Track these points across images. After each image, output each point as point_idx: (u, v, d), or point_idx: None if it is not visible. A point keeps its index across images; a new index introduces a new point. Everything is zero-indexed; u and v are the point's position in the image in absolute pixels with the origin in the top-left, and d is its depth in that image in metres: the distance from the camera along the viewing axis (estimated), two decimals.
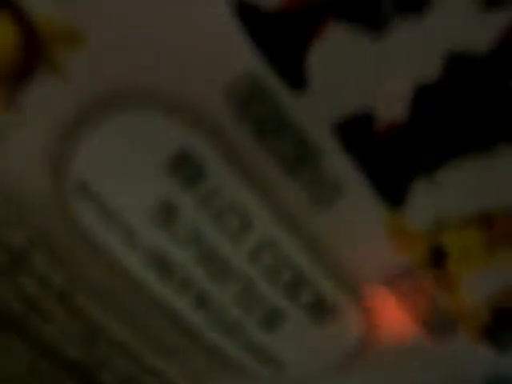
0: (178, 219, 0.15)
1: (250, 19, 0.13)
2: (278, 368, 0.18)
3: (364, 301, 0.17)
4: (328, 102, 0.14)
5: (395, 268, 0.16)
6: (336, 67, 0.13)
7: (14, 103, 0.14)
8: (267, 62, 0.14)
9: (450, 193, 0.15)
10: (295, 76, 0.14)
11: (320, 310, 0.17)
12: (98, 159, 0.15)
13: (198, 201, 0.15)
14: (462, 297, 0.16)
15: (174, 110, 0.14)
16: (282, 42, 0.13)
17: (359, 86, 0.14)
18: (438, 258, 0.16)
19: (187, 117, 0.14)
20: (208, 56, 0.14)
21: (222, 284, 0.16)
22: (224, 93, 0.14)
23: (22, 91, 0.14)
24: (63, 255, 0.16)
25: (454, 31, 0.13)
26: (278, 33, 0.13)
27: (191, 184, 0.15)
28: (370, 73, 0.13)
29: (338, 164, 0.15)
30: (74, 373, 0.19)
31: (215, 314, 0.17)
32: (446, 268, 0.16)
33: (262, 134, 0.14)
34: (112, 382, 0.18)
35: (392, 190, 0.15)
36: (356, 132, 0.14)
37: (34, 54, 0.14)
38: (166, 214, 0.15)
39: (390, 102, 0.14)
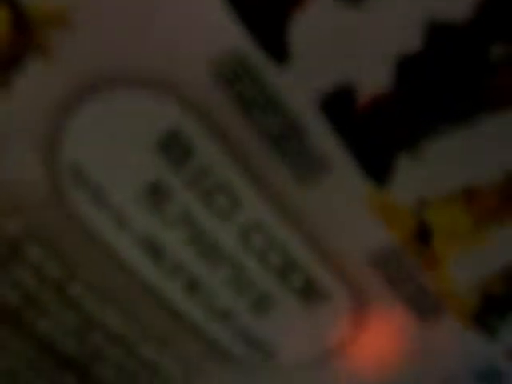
0: (167, 200, 0.16)
1: None
2: (268, 355, 0.18)
3: (352, 283, 0.17)
4: (311, 76, 0.14)
5: (382, 246, 0.16)
6: (317, 41, 0.14)
7: (6, 88, 0.15)
8: (251, 39, 0.14)
9: (433, 168, 0.15)
10: (278, 50, 0.14)
11: (310, 294, 0.17)
12: (89, 142, 0.15)
13: (187, 181, 0.15)
14: (448, 277, 0.17)
15: (161, 91, 0.15)
16: (265, 16, 0.14)
17: (341, 60, 0.14)
18: (423, 234, 0.16)
19: (175, 97, 0.15)
20: (194, 35, 0.14)
21: (213, 267, 0.16)
22: (211, 71, 0.14)
23: (14, 75, 0.15)
24: (58, 245, 0.17)
25: (433, 0, 0.13)
26: (260, 7, 0.14)
27: (180, 164, 0.15)
28: (352, 46, 0.14)
29: (323, 140, 0.15)
30: (69, 365, 0.19)
31: (206, 299, 0.17)
32: (431, 245, 0.16)
33: (248, 111, 0.15)
34: (106, 373, 0.19)
35: (376, 166, 0.15)
36: (339, 106, 0.15)
37: (25, 38, 0.15)
38: (156, 195, 0.16)
39: (372, 75, 0.14)
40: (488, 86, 0.14)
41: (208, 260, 0.16)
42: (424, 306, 0.17)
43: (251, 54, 0.14)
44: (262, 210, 0.16)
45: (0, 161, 0.16)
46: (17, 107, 0.15)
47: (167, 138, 0.15)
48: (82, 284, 0.17)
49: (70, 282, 0.17)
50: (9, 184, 0.16)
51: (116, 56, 0.14)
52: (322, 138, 0.15)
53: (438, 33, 0.14)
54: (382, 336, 0.18)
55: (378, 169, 0.15)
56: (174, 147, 0.15)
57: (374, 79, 0.14)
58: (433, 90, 0.14)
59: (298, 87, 0.14)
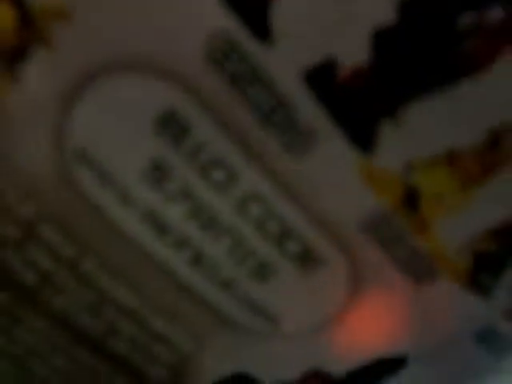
0: (167, 177, 0.17)
1: None
2: (272, 322, 0.19)
3: (347, 249, 0.18)
4: (295, 52, 0.15)
5: (372, 212, 0.17)
6: (298, 18, 0.15)
7: (14, 79, 0.16)
8: (237, 20, 0.15)
9: (415, 134, 0.16)
10: (263, 30, 0.15)
11: (307, 260, 0.18)
12: (93, 126, 0.16)
13: (185, 158, 0.17)
14: (438, 239, 0.18)
15: (156, 73, 0.16)
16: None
17: (321, 36, 0.15)
18: (411, 198, 0.17)
19: (169, 78, 0.16)
20: (183, 18, 0.15)
21: (214, 239, 0.18)
22: (201, 53, 0.15)
23: (20, 67, 0.16)
24: (68, 224, 0.18)
25: None
26: None
27: (178, 142, 0.16)
28: (330, 22, 0.15)
29: (310, 113, 0.16)
30: (83, 341, 0.20)
31: (210, 270, 0.18)
32: (419, 209, 0.17)
33: (238, 89, 0.16)
34: (119, 347, 0.20)
35: (361, 135, 0.16)
36: (323, 79, 0.16)
37: (29, 32, 0.16)
38: (157, 172, 0.17)
39: (351, 49, 0.15)
40: (460, 54, 0.15)
41: (209, 232, 0.17)
42: (418, 269, 0.18)
43: (238, 35, 0.15)
44: (257, 181, 0.17)
45: (11, 148, 0.17)
46: (25, 97, 0.16)
47: (164, 118, 0.16)
48: (93, 261, 0.18)
49: (82, 260, 0.18)
50: (20, 170, 0.17)
51: (113, 43, 0.15)
52: (309, 110, 0.16)
53: (410, 6, 0.15)
54: (378, 301, 0.19)
55: (362, 137, 0.16)
56: (171, 126, 0.16)
57: (353, 53, 0.15)
58: (409, 60, 0.15)
59: (284, 63, 0.15)
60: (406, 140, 0.16)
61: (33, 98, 0.16)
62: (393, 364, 0.20)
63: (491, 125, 0.16)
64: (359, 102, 0.16)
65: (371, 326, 0.19)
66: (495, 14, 0.15)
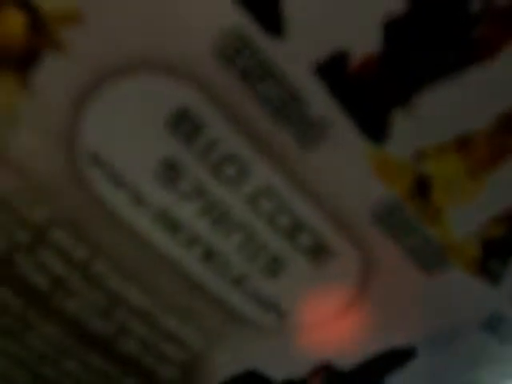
0: (180, 175, 0.17)
1: None
2: (283, 318, 0.19)
3: (358, 240, 0.18)
4: (306, 45, 0.15)
5: (384, 202, 0.17)
6: (309, 11, 0.15)
7: (26, 84, 0.16)
8: (248, 15, 0.15)
9: (426, 122, 0.16)
10: (274, 24, 0.15)
11: (318, 253, 0.18)
12: (105, 127, 0.16)
13: (197, 155, 0.17)
14: (449, 228, 0.18)
15: (168, 72, 0.16)
16: None
17: (332, 27, 0.15)
18: (422, 188, 0.17)
19: (181, 76, 0.16)
20: (195, 16, 0.15)
21: (226, 235, 0.18)
22: (212, 49, 0.15)
23: (32, 72, 0.16)
24: (81, 227, 0.18)
25: None
26: None
27: (190, 140, 0.16)
28: (340, 13, 0.15)
29: (321, 105, 0.16)
30: (95, 344, 0.20)
31: (222, 267, 0.18)
32: (430, 198, 0.17)
33: (250, 84, 0.16)
34: (130, 348, 0.20)
35: (372, 125, 0.16)
36: (334, 70, 0.16)
37: (40, 36, 0.16)
38: (170, 172, 0.17)
39: (362, 39, 0.15)
40: (470, 40, 0.15)
41: (221, 228, 0.18)
42: (429, 258, 0.18)
43: (249, 30, 0.15)
44: (268, 176, 0.17)
45: (23, 151, 0.17)
46: (38, 102, 0.16)
47: (177, 117, 0.16)
48: (105, 263, 0.18)
49: (94, 262, 0.18)
50: (33, 174, 0.17)
51: (124, 44, 0.15)
52: (321, 103, 0.16)
53: None
54: (389, 292, 0.19)
55: (374, 127, 0.16)
56: (183, 125, 0.16)
57: (364, 43, 0.15)
58: (419, 48, 0.15)
59: (295, 57, 0.15)
60: (418, 128, 0.16)
61: (45, 103, 0.16)
62: (402, 356, 0.21)
63: (502, 110, 0.16)
64: (371, 91, 0.16)
65: (381, 318, 0.20)
66: None
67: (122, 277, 0.18)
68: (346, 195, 0.17)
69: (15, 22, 0.15)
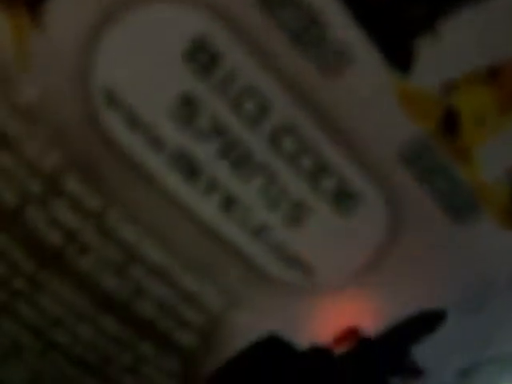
0: (198, 112, 0.16)
1: None
2: (307, 273, 0.18)
3: (385, 182, 0.17)
4: None
5: (410, 139, 0.16)
6: None
7: (38, 22, 0.15)
8: None
9: (454, 50, 0.15)
10: None
11: (343, 198, 0.17)
12: (119, 63, 0.16)
13: (215, 89, 0.16)
14: (479, 167, 0.17)
15: (182, 0, 0.15)
16: None
17: None
18: (451, 123, 0.16)
19: (196, 4, 0.15)
20: None
21: (246, 179, 0.17)
22: None
23: (41, 9, 0.15)
24: (95, 173, 0.17)
25: None
26: None
27: (208, 72, 0.16)
28: None
29: (344, 31, 0.15)
30: (110, 306, 0.19)
31: (242, 215, 0.17)
32: (459, 134, 0.16)
33: (268, 9, 0.15)
34: (146, 310, 0.19)
35: (398, 53, 0.16)
36: None
37: None
38: (187, 108, 0.16)
39: None
40: None
41: (241, 171, 0.17)
42: (459, 203, 0.17)
43: None
44: (290, 111, 0.16)
45: (35, 95, 0.16)
46: (48, 41, 0.15)
47: (193, 47, 0.16)
48: (120, 213, 0.17)
49: (108, 212, 0.17)
50: (46, 115, 0.16)
51: None
52: (343, 28, 0.15)
53: None
54: (418, 243, 0.18)
55: (399, 55, 0.15)
56: (200, 55, 0.16)
57: None
58: None
59: None
60: (445, 57, 0.15)
61: (57, 40, 0.15)
62: (432, 318, 0.20)
63: None
64: (395, 17, 0.15)
65: (409, 275, 0.19)
66: None
67: (137, 229, 0.17)
68: (371, 132, 0.16)
69: None
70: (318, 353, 0.20)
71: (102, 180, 0.17)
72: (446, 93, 0.16)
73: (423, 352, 0.21)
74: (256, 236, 0.18)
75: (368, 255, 0.18)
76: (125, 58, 0.16)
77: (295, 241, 0.18)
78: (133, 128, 0.16)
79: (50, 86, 0.16)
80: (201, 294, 0.19)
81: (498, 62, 0.16)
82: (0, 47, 0.16)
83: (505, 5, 0.15)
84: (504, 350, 0.21)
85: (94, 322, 0.19)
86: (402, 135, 0.16)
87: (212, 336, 0.19)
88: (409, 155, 0.16)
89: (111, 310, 0.19)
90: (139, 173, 0.17)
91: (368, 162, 0.17)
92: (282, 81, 0.16)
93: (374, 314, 0.19)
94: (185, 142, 0.16)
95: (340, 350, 0.20)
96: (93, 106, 0.16)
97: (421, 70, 0.16)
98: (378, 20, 0.15)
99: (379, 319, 0.19)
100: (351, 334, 0.20)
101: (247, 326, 0.19)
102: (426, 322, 0.20)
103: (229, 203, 0.17)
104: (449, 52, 0.15)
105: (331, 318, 0.19)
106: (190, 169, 0.17)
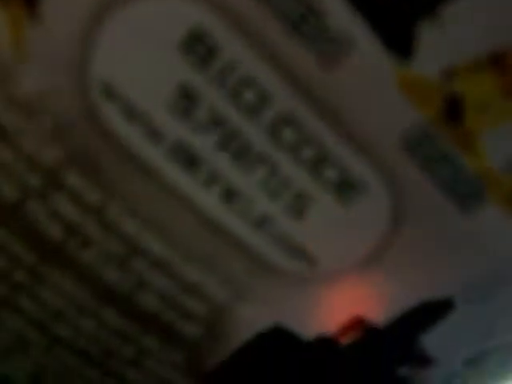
0: (196, 103, 0.16)
1: None
2: (310, 263, 0.18)
3: (387, 170, 0.17)
4: None
5: (413, 126, 0.16)
6: None
7: (35, 15, 0.15)
8: None
9: (456, 35, 0.15)
10: None
11: (345, 188, 0.17)
12: (116, 55, 0.16)
13: (213, 80, 0.16)
14: (483, 154, 0.17)
15: None
16: None
17: None
18: (453, 108, 0.16)
19: None
20: None
21: (247, 170, 0.17)
22: None
23: (38, 2, 0.15)
24: (95, 166, 0.17)
25: None
26: None
27: (206, 62, 0.15)
28: None
29: (343, 18, 0.15)
30: (112, 299, 0.19)
31: (244, 206, 0.17)
32: (462, 121, 0.16)
33: None
34: (149, 303, 0.19)
35: (398, 39, 0.15)
36: None
37: None
38: (185, 99, 0.16)
39: None
40: None
41: (241, 162, 0.17)
42: (463, 192, 0.17)
43: None
44: (289, 101, 0.16)
45: (32, 89, 0.16)
46: (47, 33, 0.15)
47: (190, 38, 0.15)
48: (120, 206, 0.17)
49: (108, 205, 0.17)
50: (44, 109, 0.16)
51: None
52: (340, 15, 0.15)
53: None
54: (422, 232, 0.18)
55: (400, 41, 0.15)
56: (197, 46, 0.15)
57: None
58: None
59: None
60: (446, 43, 0.15)
61: (54, 33, 0.15)
62: (440, 308, 0.19)
63: None
64: (395, 2, 0.15)
65: (415, 264, 0.18)
66: None
67: (138, 221, 0.17)
68: (372, 121, 0.16)
69: None
70: (324, 343, 0.20)
71: (102, 173, 0.17)
72: (447, 79, 0.16)
73: (430, 341, 0.20)
74: (258, 227, 0.17)
75: (371, 245, 0.18)
76: (122, 51, 0.15)
77: (298, 231, 0.17)
78: (131, 120, 0.16)
79: (47, 79, 0.16)
80: (204, 286, 0.18)
81: (500, 48, 0.15)
82: None
83: None
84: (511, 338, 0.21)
85: (96, 316, 0.19)
86: (403, 123, 0.16)
87: (216, 327, 0.19)
88: (410, 143, 0.16)
89: (114, 302, 0.19)
90: (138, 165, 0.17)
91: (370, 152, 0.16)
92: (281, 71, 0.15)
93: (379, 303, 0.19)
94: (184, 133, 0.16)
95: (346, 340, 0.20)
96: (91, 98, 0.16)
97: (422, 57, 0.15)
98: (377, 7, 0.15)
99: (384, 309, 0.19)
100: (357, 323, 0.20)
101: (251, 317, 0.19)
102: (433, 311, 0.20)
103: (230, 195, 0.17)
104: (450, 38, 0.15)
105: (336, 308, 0.19)
106: (189, 161, 0.16)
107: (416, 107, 0.16)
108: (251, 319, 0.19)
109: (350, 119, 0.16)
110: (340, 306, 0.19)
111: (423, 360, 0.21)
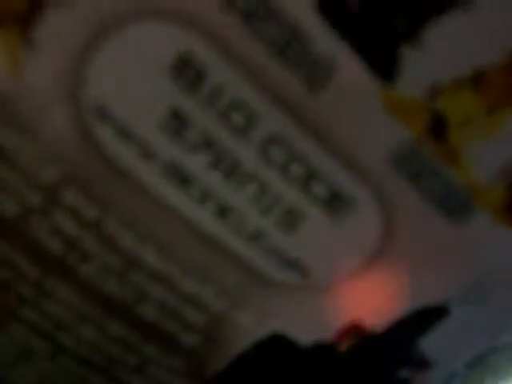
0: (187, 125, 0.16)
1: None
2: (304, 274, 0.18)
3: (376, 186, 0.17)
4: None
5: (399, 144, 0.16)
6: None
7: (29, 39, 0.16)
8: None
9: (438, 56, 0.16)
10: None
11: (335, 203, 0.17)
12: (109, 79, 0.16)
13: (203, 103, 0.16)
14: (469, 169, 0.17)
15: (169, 18, 0.15)
16: None
17: None
18: (438, 127, 0.16)
19: (182, 22, 0.15)
20: None
21: (238, 188, 0.17)
22: None
23: (33, 29, 0.16)
24: (91, 185, 0.17)
25: None
26: None
27: (195, 87, 0.16)
28: None
29: (326, 43, 0.15)
30: (112, 310, 0.19)
31: (237, 222, 0.18)
32: (447, 137, 0.16)
33: (251, 25, 0.15)
34: (149, 313, 0.19)
35: (381, 62, 0.16)
36: (336, 6, 0.15)
37: None
38: (176, 121, 0.16)
39: None
40: None
41: (233, 180, 0.17)
42: (452, 204, 0.17)
43: None
44: (277, 122, 0.16)
45: (29, 109, 0.16)
46: (40, 60, 0.16)
47: (180, 63, 0.16)
48: (117, 222, 0.18)
49: (105, 221, 0.18)
50: (39, 134, 0.17)
51: None
52: (325, 40, 0.15)
53: None
54: (413, 243, 0.18)
55: (383, 64, 0.16)
56: (187, 71, 0.16)
57: None
58: None
59: None
60: (429, 63, 0.15)
61: (47, 60, 0.16)
62: (434, 314, 0.20)
63: None
64: (377, 26, 0.15)
65: (408, 272, 0.19)
66: None
67: (135, 236, 0.18)
68: (359, 139, 0.16)
69: None
70: (322, 349, 0.20)
71: (98, 190, 0.17)
72: (431, 99, 0.16)
73: (430, 344, 0.21)
74: (252, 241, 0.18)
75: (363, 255, 0.18)
76: (115, 75, 0.16)
77: (290, 244, 0.18)
78: (125, 141, 0.17)
79: (43, 103, 0.16)
80: (201, 296, 0.19)
81: (482, 67, 0.16)
82: None
83: (486, 9, 0.15)
84: (510, 340, 0.22)
85: (99, 325, 0.19)
86: (389, 141, 0.16)
87: (215, 336, 0.20)
88: (398, 159, 0.17)
89: (115, 313, 0.19)
90: (133, 183, 0.17)
91: (358, 168, 0.17)
92: (268, 93, 0.16)
93: (373, 310, 0.20)
94: (176, 153, 0.17)
95: (343, 346, 0.20)
96: (84, 121, 0.17)
97: (405, 78, 0.16)
98: (360, 31, 0.15)
99: (380, 315, 0.20)
100: (354, 330, 0.20)
101: (249, 326, 0.20)
102: (428, 317, 0.20)
103: (223, 210, 0.17)
104: (433, 58, 0.16)
105: (331, 315, 0.20)
106: (182, 179, 0.17)
107: (402, 126, 0.16)
108: (249, 327, 0.19)
109: (337, 138, 0.17)
110: (335, 313, 0.20)
111: (422, 363, 0.21)
